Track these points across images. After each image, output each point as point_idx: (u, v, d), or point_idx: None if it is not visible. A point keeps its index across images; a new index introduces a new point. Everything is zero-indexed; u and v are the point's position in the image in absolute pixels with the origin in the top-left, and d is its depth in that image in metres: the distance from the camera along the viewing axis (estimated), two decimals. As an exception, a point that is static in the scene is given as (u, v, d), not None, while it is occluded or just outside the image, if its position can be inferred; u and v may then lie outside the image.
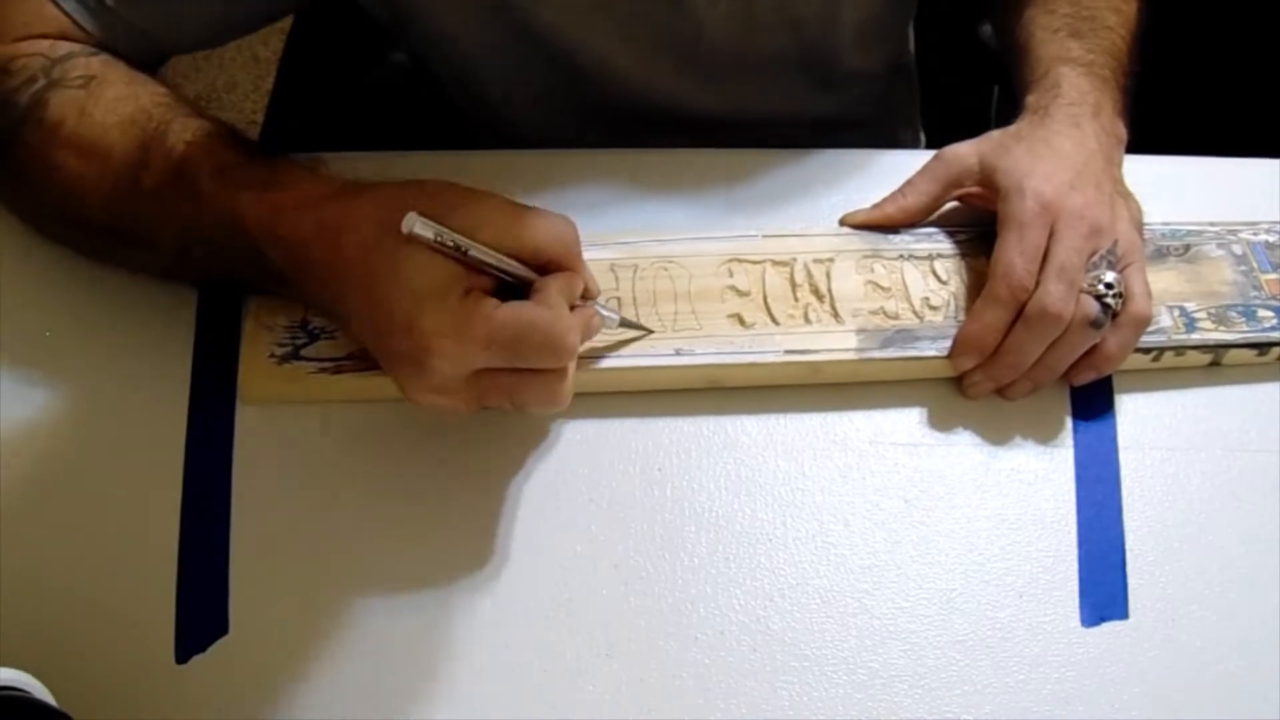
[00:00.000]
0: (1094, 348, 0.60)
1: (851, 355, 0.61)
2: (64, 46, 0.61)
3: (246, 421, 0.60)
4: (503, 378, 0.51)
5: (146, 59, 0.63)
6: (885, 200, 0.66)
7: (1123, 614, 0.56)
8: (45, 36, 0.61)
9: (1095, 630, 0.56)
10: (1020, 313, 0.59)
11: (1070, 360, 0.60)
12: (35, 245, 0.66)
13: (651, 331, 0.61)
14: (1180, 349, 0.63)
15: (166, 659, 0.54)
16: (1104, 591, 0.57)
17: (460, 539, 0.57)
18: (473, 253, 0.50)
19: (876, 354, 0.61)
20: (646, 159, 0.71)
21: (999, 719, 0.53)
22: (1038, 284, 0.59)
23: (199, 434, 0.59)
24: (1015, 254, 0.59)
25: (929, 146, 0.93)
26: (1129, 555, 0.58)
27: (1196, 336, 0.63)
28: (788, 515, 0.58)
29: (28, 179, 0.60)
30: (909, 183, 0.66)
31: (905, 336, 0.61)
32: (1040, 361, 0.60)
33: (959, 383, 0.62)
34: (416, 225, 0.49)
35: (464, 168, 0.70)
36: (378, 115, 0.68)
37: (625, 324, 0.60)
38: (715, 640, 0.55)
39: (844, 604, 0.56)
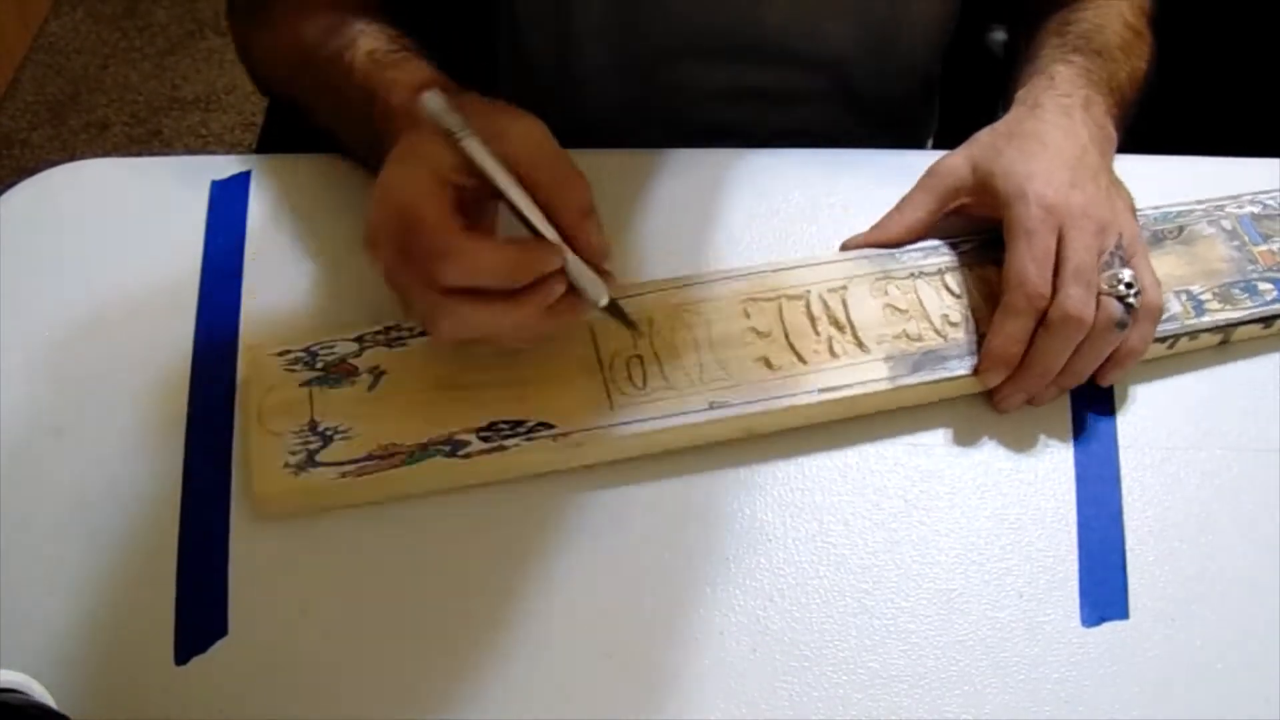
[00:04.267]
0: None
1: (885, 385, 0.59)
2: None
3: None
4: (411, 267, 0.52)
5: None
6: (884, 220, 0.66)
7: (1123, 614, 0.56)
8: None
9: (1095, 630, 0.56)
10: (1041, 320, 0.59)
11: (1098, 363, 0.60)
12: (36, 246, 0.66)
13: (637, 329, 0.59)
14: (1194, 333, 0.63)
15: (166, 660, 0.53)
16: (1104, 591, 0.57)
17: (459, 540, 0.57)
18: (463, 140, 0.52)
19: (909, 380, 0.60)
20: (650, 158, 0.71)
21: (999, 719, 0.53)
22: (1056, 289, 0.58)
23: (199, 433, 0.59)
24: (1027, 261, 0.59)
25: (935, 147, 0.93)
26: (1129, 555, 0.58)
27: (1207, 319, 0.63)
28: (788, 515, 0.58)
29: (252, 52, 0.71)
30: (905, 199, 0.66)
31: (933, 358, 0.60)
32: (1067, 367, 0.59)
33: (989, 397, 0.61)
34: (429, 98, 0.52)
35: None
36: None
37: (613, 309, 0.57)
38: (715, 640, 0.55)
39: (844, 604, 0.56)
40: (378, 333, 0.60)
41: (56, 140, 1.80)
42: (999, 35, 0.92)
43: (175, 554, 0.56)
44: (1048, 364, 0.59)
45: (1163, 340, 0.62)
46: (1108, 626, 0.56)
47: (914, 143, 0.90)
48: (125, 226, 0.67)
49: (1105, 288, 0.58)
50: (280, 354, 0.59)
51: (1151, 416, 0.63)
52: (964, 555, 0.58)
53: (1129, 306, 0.58)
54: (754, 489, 0.59)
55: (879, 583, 0.57)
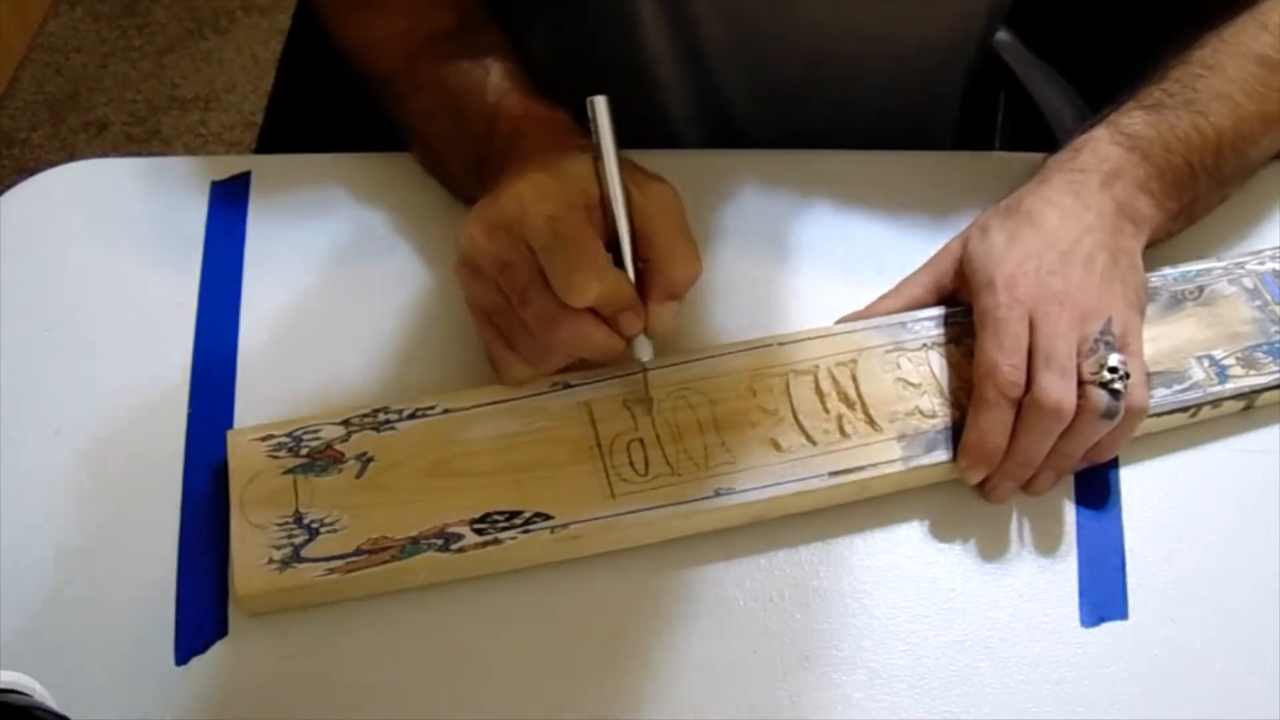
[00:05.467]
0: None
1: (899, 466, 0.57)
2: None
3: (246, 420, 0.60)
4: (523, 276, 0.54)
5: None
6: (882, 298, 0.64)
7: (1123, 614, 0.56)
8: None
9: (1095, 630, 0.56)
10: (1019, 410, 0.56)
11: (1085, 448, 0.57)
12: (36, 246, 0.66)
13: (650, 404, 0.58)
14: (1216, 401, 0.60)
15: (166, 660, 0.53)
16: (1104, 591, 0.57)
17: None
18: (604, 155, 0.54)
19: (923, 460, 0.58)
20: (649, 159, 0.70)
21: (999, 719, 0.53)
22: (1032, 379, 0.56)
23: (199, 431, 0.59)
24: (994, 351, 0.56)
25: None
26: (1129, 555, 0.58)
27: (1230, 386, 0.60)
28: (788, 516, 0.58)
29: (357, 23, 0.70)
30: (909, 278, 0.64)
31: (948, 436, 0.58)
32: (1056, 450, 0.57)
33: (980, 488, 0.59)
34: (600, 101, 0.54)
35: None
36: (378, 115, 0.68)
37: (644, 373, 0.58)
38: (715, 640, 0.55)
39: (844, 604, 0.56)
40: (365, 416, 0.58)
41: (56, 139, 1.80)
42: (1003, 36, 0.92)
43: (175, 554, 0.56)
44: (1028, 455, 0.57)
45: (1185, 410, 0.60)
46: (1108, 626, 0.56)
47: (917, 144, 0.90)
48: (125, 226, 0.67)
49: (1088, 375, 0.56)
50: (263, 439, 0.57)
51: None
52: (964, 555, 0.58)
53: (1115, 392, 0.55)
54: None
55: (879, 583, 0.57)
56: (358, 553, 0.54)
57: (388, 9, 0.68)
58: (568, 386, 0.59)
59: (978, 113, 0.94)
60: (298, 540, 0.54)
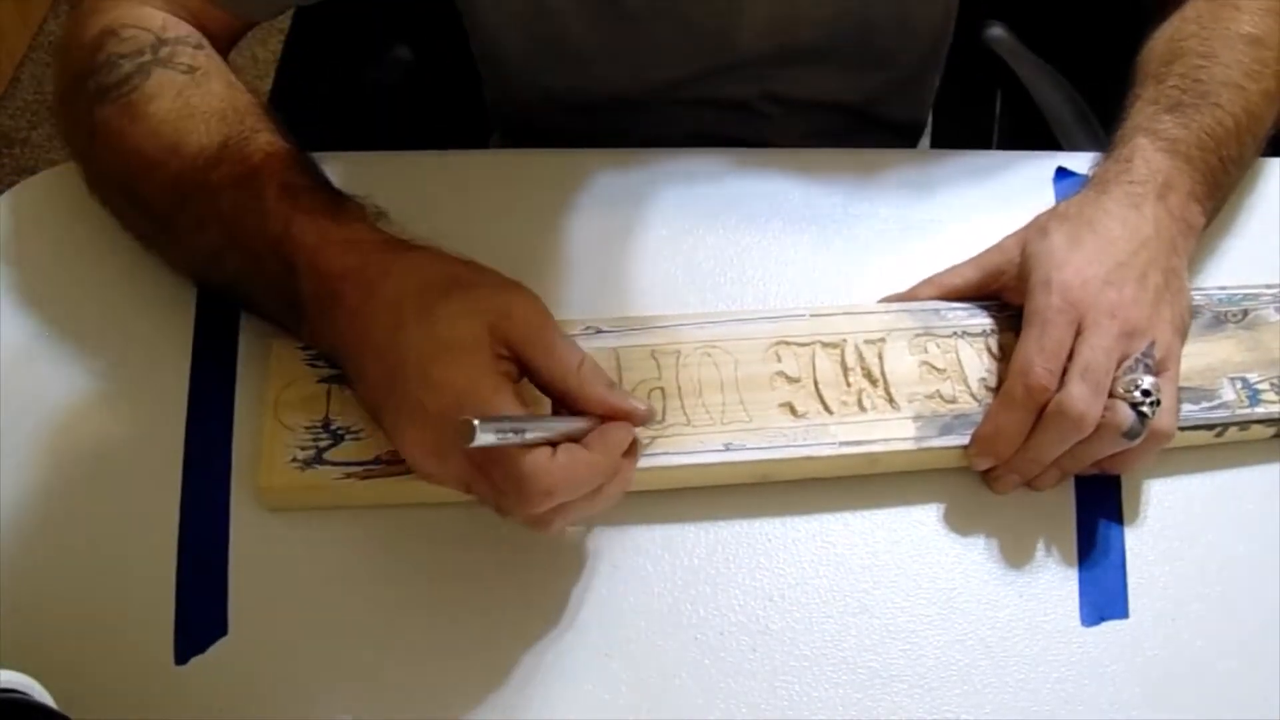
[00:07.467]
0: None
1: (910, 445, 0.58)
2: (174, 30, 0.63)
3: (245, 420, 0.60)
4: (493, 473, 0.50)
5: (230, 31, 0.67)
6: (923, 282, 0.64)
7: (1123, 613, 0.56)
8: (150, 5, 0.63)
9: (1095, 630, 0.56)
10: (1041, 413, 0.56)
11: (1098, 458, 0.57)
12: (36, 246, 0.66)
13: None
14: (1245, 424, 0.60)
15: (166, 660, 0.53)
16: (1104, 591, 0.57)
17: (464, 545, 0.57)
18: (530, 435, 0.48)
19: (935, 442, 0.58)
20: (647, 158, 0.71)
21: (999, 719, 0.53)
22: (1063, 384, 0.55)
23: (198, 433, 0.59)
24: (1034, 351, 0.56)
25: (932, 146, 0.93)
26: (1129, 555, 0.58)
27: (1261, 410, 0.60)
28: (788, 515, 0.58)
29: (105, 143, 0.61)
30: (954, 268, 0.64)
31: (964, 422, 0.58)
32: (1069, 453, 0.57)
33: (984, 476, 0.59)
34: (478, 432, 0.45)
35: (466, 166, 0.70)
36: (378, 114, 0.67)
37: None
38: (715, 640, 0.55)
39: (844, 604, 0.56)
40: None
41: (56, 140, 1.78)
42: (995, 31, 0.92)
43: (175, 554, 0.56)
44: (1040, 455, 0.57)
45: (1211, 428, 0.60)
46: (1108, 626, 0.56)
47: (907, 142, 0.90)
48: (125, 226, 0.67)
49: (1121, 391, 0.55)
50: (304, 348, 0.59)
51: (1151, 416, 0.62)
52: (964, 555, 0.58)
53: (1142, 415, 0.55)
54: (754, 491, 0.59)
55: (879, 583, 0.57)
56: (376, 461, 0.56)
57: (144, 133, 0.59)
58: (599, 332, 0.60)
59: (977, 112, 0.95)
60: (322, 444, 0.56)
